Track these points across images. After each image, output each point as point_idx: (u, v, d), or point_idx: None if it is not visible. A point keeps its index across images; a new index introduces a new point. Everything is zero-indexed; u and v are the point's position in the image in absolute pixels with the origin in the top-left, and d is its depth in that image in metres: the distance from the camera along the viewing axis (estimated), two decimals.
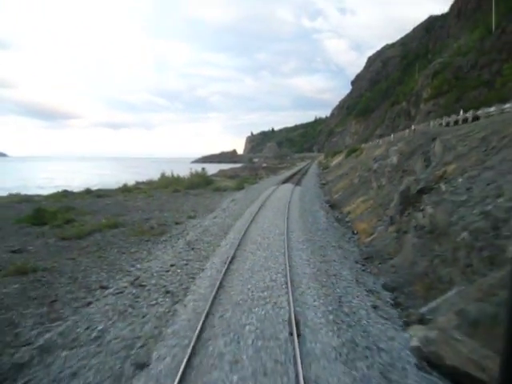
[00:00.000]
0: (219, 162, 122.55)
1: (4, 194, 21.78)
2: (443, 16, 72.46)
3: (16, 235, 10.24)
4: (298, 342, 3.95)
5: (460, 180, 8.05)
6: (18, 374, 3.81)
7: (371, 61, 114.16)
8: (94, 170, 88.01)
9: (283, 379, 3.41)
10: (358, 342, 4.23)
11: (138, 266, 7.54)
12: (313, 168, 51.07)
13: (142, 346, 4.14)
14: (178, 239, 9.77)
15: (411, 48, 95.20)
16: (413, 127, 23.01)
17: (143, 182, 27.25)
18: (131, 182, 26.49)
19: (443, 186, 8.41)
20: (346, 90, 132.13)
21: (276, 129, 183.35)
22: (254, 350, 3.90)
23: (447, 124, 19.05)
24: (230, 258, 7.16)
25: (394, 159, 16.11)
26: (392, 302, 5.91)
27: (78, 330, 4.63)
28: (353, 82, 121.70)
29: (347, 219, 13.14)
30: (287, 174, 38.74)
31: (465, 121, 17.05)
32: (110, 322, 4.77)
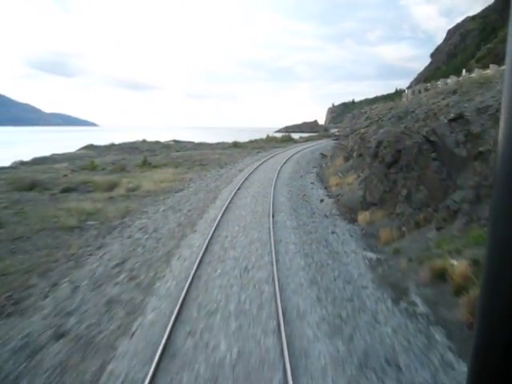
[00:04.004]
0: (301, 131, 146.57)
1: None
2: None
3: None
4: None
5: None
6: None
7: (451, 33, 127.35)
8: (198, 138, 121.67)
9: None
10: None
11: (283, 148, 36.96)
12: None
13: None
14: (288, 146, 39.09)
15: (490, 21, 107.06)
16: None
17: (256, 140, 57.31)
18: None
19: None
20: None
21: (357, 100, 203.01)
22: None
23: None
24: (299, 149, 36.37)
25: None
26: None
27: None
28: (432, 55, 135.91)
29: None
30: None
31: None
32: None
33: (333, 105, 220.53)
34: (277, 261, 7.14)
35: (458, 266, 6.26)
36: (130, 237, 9.38)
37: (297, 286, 6.21)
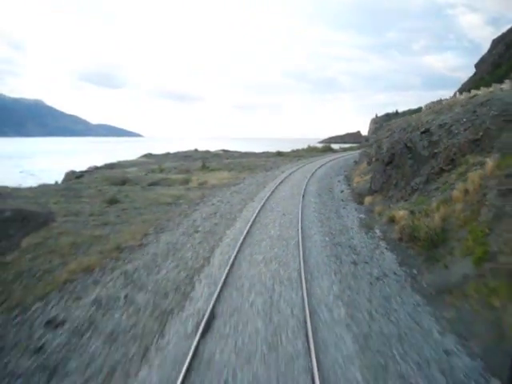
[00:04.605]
0: (343, 142, 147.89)
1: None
2: None
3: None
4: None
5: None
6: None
7: (495, 43, 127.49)
8: (244, 148, 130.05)
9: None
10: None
11: (321, 156, 42.39)
12: None
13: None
14: (327, 155, 44.44)
15: None
16: None
17: (298, 149, 63.04)
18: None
19: None
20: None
21: (400, 110, 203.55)
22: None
23: None
24: (335, 157, 41.63)
25: None
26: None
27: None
28: (476, 65, 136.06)
29: None
30: None
31: None
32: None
33: (376, 115, 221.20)
34: (302, 212, 12.83)
35: (401, 213, 11.57)
36: (213, 204, 15.44)
37: (311, 221, 11.92)
